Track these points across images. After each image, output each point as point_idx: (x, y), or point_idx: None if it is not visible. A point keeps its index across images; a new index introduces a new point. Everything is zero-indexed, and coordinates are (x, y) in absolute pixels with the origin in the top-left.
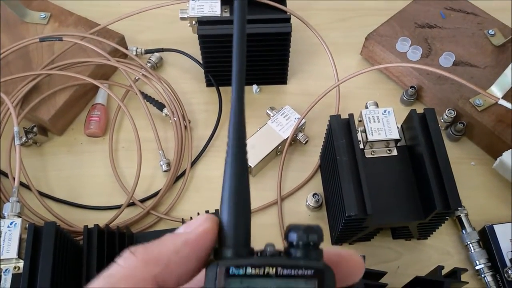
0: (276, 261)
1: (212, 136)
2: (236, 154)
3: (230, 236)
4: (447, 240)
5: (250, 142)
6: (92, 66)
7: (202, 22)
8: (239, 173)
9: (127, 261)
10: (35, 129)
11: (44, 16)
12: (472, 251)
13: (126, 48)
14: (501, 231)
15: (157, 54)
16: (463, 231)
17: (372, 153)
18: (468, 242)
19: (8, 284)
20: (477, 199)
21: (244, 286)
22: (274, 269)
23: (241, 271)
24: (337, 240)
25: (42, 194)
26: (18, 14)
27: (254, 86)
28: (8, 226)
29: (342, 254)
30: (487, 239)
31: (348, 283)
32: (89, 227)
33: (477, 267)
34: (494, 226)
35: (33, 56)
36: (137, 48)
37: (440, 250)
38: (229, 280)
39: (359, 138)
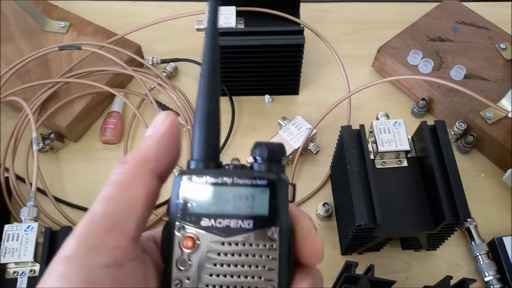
0: (233, 172)
1: (225, 145)
2: (207, 76)
3: (198, 151)
4: (456, 251)
5: None
6: (109, 74)
7: None
8: (209, 94)
9: (123, 168)
10: (52, 136)
11: (63, 25)
12: (481, 262)
13: (143, 58)
14: (510, 243)
15: (172, 64)
16: (472, 242)
17: (383, 163)
18: (477, 254)
19: (24, 286)
20: (487, 211)
21: (205, 193)
22: (230, 179)
23: (202, 180)
24: (346, 249)
25: (57, 199)
26: (38, 23)
27: (267, 96)
28: (25, 230)
29: (304, 230)
30: (496, 251)
31: (301, 261)
32: None
33: (486, 279)
34: (503, 238)
35: (52, 64)
36: (153, 58)
37: (449, 261)
38: (191, 186)
39: (370, 148)
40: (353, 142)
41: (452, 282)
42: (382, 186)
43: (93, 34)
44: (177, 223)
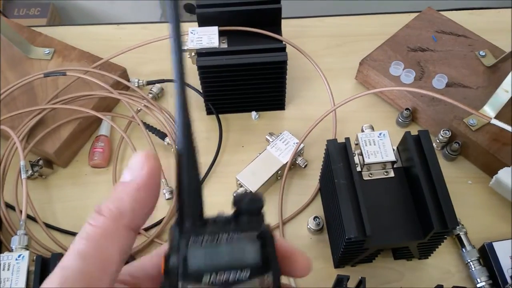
0: (227, 229)
1: (214, 163)
2: (184, 118)
3: (189, 209)
4: (448, 259)
5: (251, 168)
6: (95, 99)
7: (201, 53)
8: (190, 164)
9: (97, 220)
10: (40, 162)
11: (48, 52)
12: (473, 269)
13: (128, 80)
14: (500, 248)
15: (158, 85)
16: (463, 249)
17: (370, 175)
18: (469, 260)
19: None
20: (476, 217)
21: (202, 252)
22: (225, 235)
23: (199, 241)
24: (339, 262)
25: (48, 225)
26: (23, 51)
27: (253, 113)
28: (16, 259)
29: (294, 252)
30: (487, 256)
31: (295, 276)
32: None
33: (478, 285)
34: (493, 243)
35: (38, 91)
36: (138, 80)
37: (441, 269)
38: (189, 249)
39: (356, 161)
40: (339, 156)
41: None
42: (370, 197)
43: (78, 60)
44: (180, 283)
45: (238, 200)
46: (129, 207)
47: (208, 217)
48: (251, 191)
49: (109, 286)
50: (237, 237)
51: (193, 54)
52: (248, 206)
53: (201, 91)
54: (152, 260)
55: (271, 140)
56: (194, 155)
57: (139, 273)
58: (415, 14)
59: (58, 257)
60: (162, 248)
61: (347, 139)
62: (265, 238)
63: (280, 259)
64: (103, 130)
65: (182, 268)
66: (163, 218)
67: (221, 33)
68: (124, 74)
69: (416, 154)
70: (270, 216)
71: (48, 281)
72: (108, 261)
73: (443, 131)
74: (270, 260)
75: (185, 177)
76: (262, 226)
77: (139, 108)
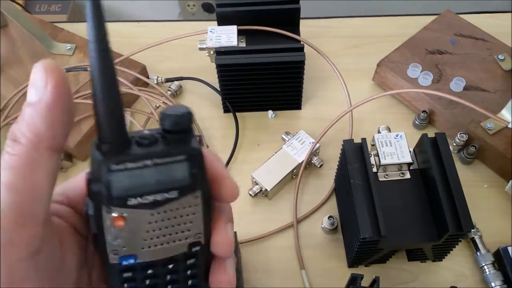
0: (152, 153)
1: (230, 160)
2: (99, 52)
3: (107, 133)
4: (462, 262)
5: (266, 167)
6: None
7: (220, 52)
8: (105, 71)
9: (15, 148)
10: (61, 155)
11: (69, 47)
12: (487, 273)
13: (148, 77)
14: None
15: (176, 83)
16: (478, 253)
17: (386, 176)
18: (483, 264)
19: None
20: (491, 221)
21: (127, 177)
22: (150, 161)
23: (122, 166)
24: (352, 262)
25: None
26: (45, 46)
27: (270, 112)
28: None
29: (222, 175)
30: (501, 261)
31: (223, 201)
32: None
33: None
34: (508, 248)
35: None
36: (157, 77)
37: (455, 272)
38: (112, 174)
39: (372, 162)
40: (356, 156)
41: None
42: (385, 198)
43: None
44: (104, 207)
45: (163, 119)
46: (45, 129)
47: (133, 135)
48: (177, 106)
49: (45, 212)
50: (163, 160)
51: (212, 52)
52: (174, 126)
53: (219, 89)
54: (83, 178)
55: (287, 139)
56: (111, 68)
57: (72, 191)
58: (434, 17)
59: None
60: None
61: (364, 139)
62: (193, 158)
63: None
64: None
65: (105, 193)
66: None
67: (240, 32)
68: (143, 71)
69: (432, 156)
70: (285, 215)
71: None
72: (38, 188)
73: (460, 134)
74: (199, 178)
75: (100, 92)
76: (189, 145)
77: (157, 105)
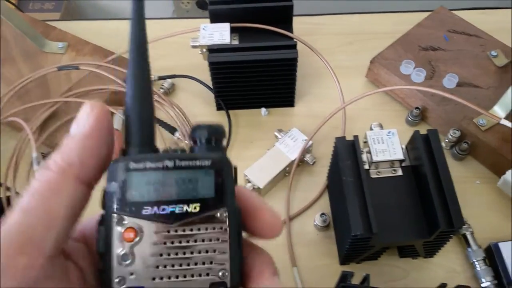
0: (174, 155)
1: None
2: (135, 58)
3: (133, 136)
4: (453, 258)
5: (259, 164)
6: (107, 93)
7: (213, 50)
8: (142, 77)
9: (44, 175)
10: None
11: (62, 46)
12: (478, 268)
13: None
14: (506, 248)
15: (169, 80)
16: (469, 249)
17: (378, 173)
18: (474, 260)
19: None
20: (483, 217)
21: (144, 179)
22: (172, 162)
23: (141, 165)
24: (344, 259)
25: None
26: (37, 45)
27: (263, 109)
28: None
29: (259, 205)
30: (492, 257)
31: (262, 237)
32: None
33: (483, 285)
34: (499, 244)
35: (51, 85)
36: None
37: (446, 268)
38: (129, 173)
39: (364, 159)
40: (348, 153)
41: None
42: (377, 195)
43: (90, 54)
44: (114, 215)
45: (194, 129)
46: (76, 157)
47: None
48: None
49: (54, 245)
50: (187, 164)
51: (204, 50)
52: (205, 133)
53: (211, 86)
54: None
55: (280, 136)
56: (147, 74)
57: (88, 224)
58: (427, 13)
59: None
60: None
61: (356, 137)
62: (221, 167)
63: (242, 213)
64: (115, 124)
65: (119, 195)
66: None
67: (233, 30)
68: None
69: (424, 153)
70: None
71: None
72: (53, 215)
73: (452, 130)
74: (226, 192)
75: (134, 85)
76: (219, 154)
77: None
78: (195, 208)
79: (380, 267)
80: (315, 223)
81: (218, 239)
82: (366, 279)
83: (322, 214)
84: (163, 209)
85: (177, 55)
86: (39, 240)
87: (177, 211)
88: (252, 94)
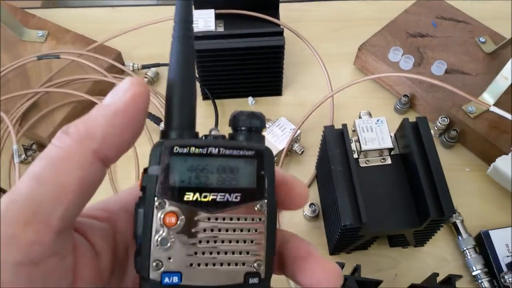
0: (219, 142)
1: None
2: (181, 37)
3: (176, 119)
4: (444, 246)
5: None
6: (89, 82)
7: (197, 37)
8: (185, 59)
9: (62, 141)
10: (34, 147)
11: (41, 34)
12: (469, 257)
13: (123, 64)
14: (496, 236)
15: (153, 69)
16: (459, 237)
17: (366, 162)
18: (465, 248)
19: None
20: (473, 205)
21: (188, 164)
22: (216, 149)
23: (185, 150)
24: (334, 249)
25: None
26: (16, 33)
27: (250, 98)
28: None
29: (287, 179)
30: (483, 244)
31: (289, 208)
32: None
33: (474, 273)
34: (490, 231)
35: (31, 74)
36: (133, 64)
37: (437, 256)
38: (173, 157)
39: (353, 147)
40: (336, 142)
41: (440, 277)
42: (366, 184)
43: (72, 42)
44: (156, 198)
45: (234, 117)
46: (100, 130)
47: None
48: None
49: (62, 221)
50: (230, 152)
51: None
52: (246, 121)
53: (197, 75)
54: (131, 193)
55: (267, 126)
56: (192, 56)
57: (115, 205)
58: (414, 0)
59: None
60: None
61: (344, 125)
62: (264, 159)
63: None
64: None
65: (162, 179)
66: None
67: (218, 16)
68: (118, 57)
69: (413, 141)
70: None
71: None
72: (64, 189)
73: (441, 118)
74: (267, 184)
75: (177, 67)
76: (261, 144)
77: None
78: (236, 197)
79: (370, 256)
80: (304, 214)
81: (256, 230)
82: (356, 269)
83: (311, 204)
84: (205, 196)
85: (161, 43)
86: (47, 213)
87: (218, 199)
88: (239, 83)
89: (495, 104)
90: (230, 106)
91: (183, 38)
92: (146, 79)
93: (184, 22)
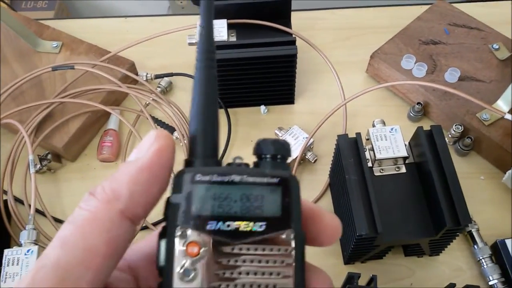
0: (242, 170)
1: (222, 157)
2: (203, 68)
3: (199, 147)
4: (459, 256)
5: None
6: (103, 93)
7: None
8: (207, 88)
9: (88, 203)
10: (49, 156)
11: (56, 45)
12: (485, 266)
13: (137, 74)
14: None
15: (166, 79)
16: (475, 246)
17: (381, 171)
18: (480, 258)
19: None
20: (488, 213)
21: (211, 192)
22: (239, 177)
23: (208, 178)
24: (349, 259)
25: (57, 220)
26: (31, 44)
27: (262, 107)
28: (25, 254)
29: (315, 211)
30: (499, 254)
31: (320, 244)
32: None
33: (490, 283)
34: (506, 240)
35: (46, 85)
36: (147, 74)
37: (452, 266)
38: (195, 186)
39: (367, 156)
40: (350, 151)
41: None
42: (381, 193)
43: (86, 53)
44: (178, 227)
45: (258, 144)
46: (126, 189)
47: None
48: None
49: (92, 282)
50: (254, 180)
51: None
52: (271, 149)
53: None
54: (152, 241)
55: (280, 134)
56: (215, 84)
57: (134, 256)
58: (427, 7)
59: None
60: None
61: (358, 134)
62: (289, 186)
63: (303, 220)
64: (112, 124)
65: (184, 207)
66: None
67: (230, 26)
68: (132, 67)
69: (428, 149)
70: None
71: (26, 274)
72: (92, 252)
73: (455, 126)
74: (293, 213)
75: (200, 95)
76: (286, 172)
77: (147, 102)
78: (260, 226)
79: (385, 266)
80: None
81: (282, 262)
82: (373, 280)
83: None
84: (228, 225)
85: (174, 53)
86: (75, 279)
87: (242, 228)
88: (251, 92)
89: (510, 112)
90: (243, 114)
91: (206, 69)
92: (159, 89)
93: (208, 52)
